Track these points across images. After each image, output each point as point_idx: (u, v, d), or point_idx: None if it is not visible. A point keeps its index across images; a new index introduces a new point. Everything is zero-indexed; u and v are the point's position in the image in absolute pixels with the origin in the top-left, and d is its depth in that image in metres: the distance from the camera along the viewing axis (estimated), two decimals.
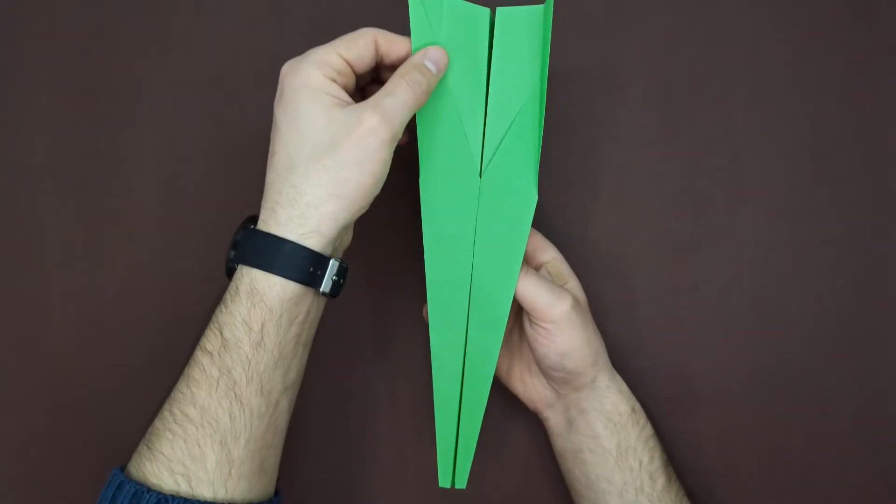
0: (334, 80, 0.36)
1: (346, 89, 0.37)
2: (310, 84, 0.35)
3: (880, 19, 0.48)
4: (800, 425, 0.48)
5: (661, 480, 0.42)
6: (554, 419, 0.44)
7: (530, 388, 0.44)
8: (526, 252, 0.42)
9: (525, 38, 0.39)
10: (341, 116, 0.35)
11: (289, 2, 0.49)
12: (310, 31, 0.48)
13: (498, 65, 0.39)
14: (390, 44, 0.38)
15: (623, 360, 0.46)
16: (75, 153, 0.49)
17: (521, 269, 0.40)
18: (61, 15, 0.49)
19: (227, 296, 0.36)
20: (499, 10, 0.39)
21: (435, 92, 0.38)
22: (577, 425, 0.42)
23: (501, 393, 0.47)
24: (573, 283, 0.43)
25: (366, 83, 0.41)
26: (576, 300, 0.41)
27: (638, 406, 0.43)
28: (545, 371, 0.42)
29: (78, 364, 0.48)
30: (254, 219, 0.38)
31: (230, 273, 0.38)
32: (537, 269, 0.43)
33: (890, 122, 0.48)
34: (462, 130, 0.39)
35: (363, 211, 0.36)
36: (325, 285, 0.36)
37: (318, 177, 0.34)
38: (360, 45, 0.37)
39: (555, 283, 0.41)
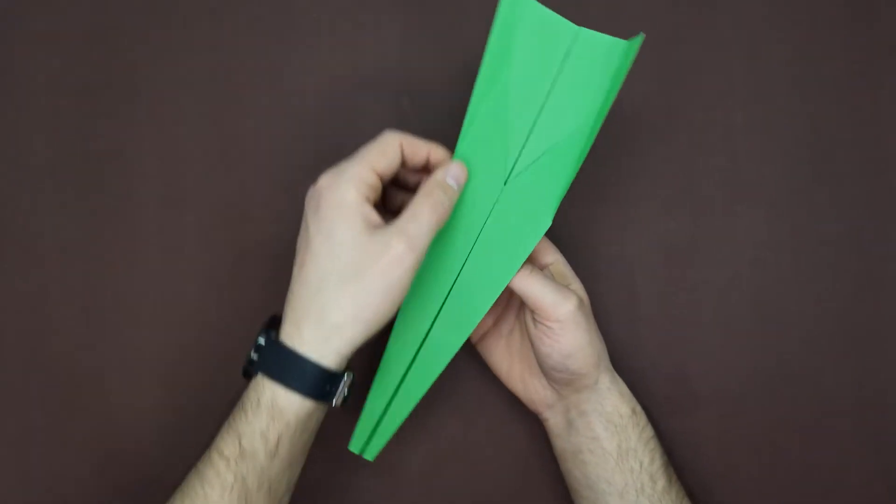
0: (368, 199, 0.37)
1: (375, 203, 0.38)
2: (346, 205, 0.36)
3: (880, 19, 0.48)
4: (800, 425, 0.48)
5: (661, 482, 0.42)
6: (554, 420, 0.44)
7: (530, 388, 0.44)
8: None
9: (599, 66, 0.38)
10: (371, 242, 0.36)
11: (289, 1, 0.49)
12: (310, 31, 0.49)
13: (563, 84, 0.39)
14: (413, 148, 0.39)
15: (623, 360, 0.46)
16: (75, 153, 0.49)
17: (526, 268, 0.40)
18: (61, 15, 0.49)
19: (248, 405, 0.38)
20: (583, 30, 0.38)
21: (494, 87, 0.39)
22: (576, 426, 0.42)
23: (501, 394, 0.47)
24: (576, 285, 0.43)
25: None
26: (581, 300, 0.41)
27: (638, 408, 0.43)
28: (548, 372, 0.42)
29: (78, 364, 0.48)
30: (276, 320, 0.40)
31: (247, 373, 0.39)
32: (541, 269, 0.43)
33: (890, 122, 0.48)
34: (506, 132, 0.39)
35: (379, 330, 0.38)
36: (336, 400, 0.38)
37: (344, 302, 0.36)
38: (390, 155, 0.38)
39: (558, 283, 0.42)
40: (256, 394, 0.37)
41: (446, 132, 0.48)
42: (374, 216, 0.37)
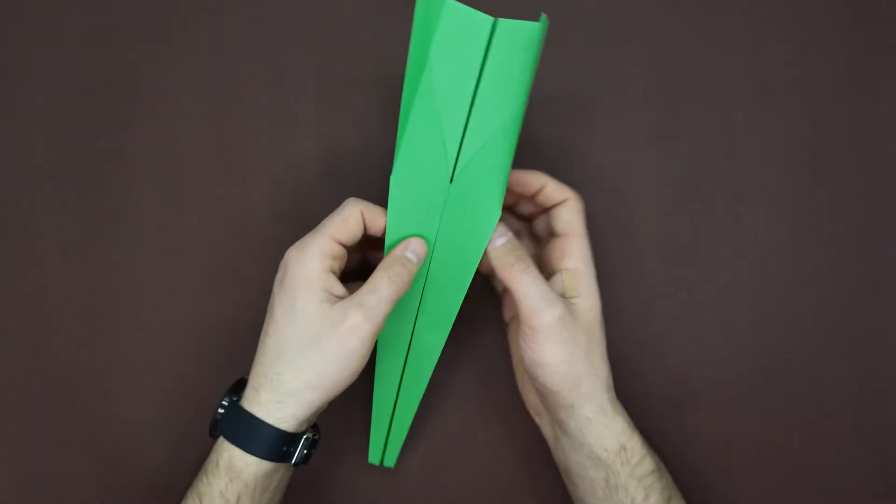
0: (332, 270, 0.39)
1: (339, 272, 0.40)
2: (308, 278, 0.38)
3: (880, 19, 0.48)
4: (800, 425, 0.48)
5: None
6: (544, 429, 0.44)
7: (525, 386, 0.45)
8: (552, 252, 0.42)
9: (520, 53, 0.38)
10: (331, 312, 0.38)
11: (289, 1, 0.49)
12: (311, 31, 0.49)
13: (490, 76, 0.38)
14: (373, 216, 0.40)
15: (623, 360, 0.46)
16: (75, 153, 0.49)
17: (522, 264, 0.39)
18: (61, 15, 0.49)
19: (209, 466, 0.39)
20: (501, 21, 0.38)
21: (419, 91, 0.38)
22: (563, 445, 0.42)
23: (501, 394, 0.47)
24: (587, 302, 0.40)
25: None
26: (567, 315, 0.39)
27: (632, 443, 0.40)
28: (526, 371, 0.41)
29: (78, 364, 0.48)
30: (241, 383, 0.41)
31: (212, 433, 0.40)
32: (553, 272, 0.42)
33: (890, 122, 0.48)
34: (441, 134, 0.39)
35: (339, 393, 0.39)
36: (297, 459, 0.40)
37: (301, 369, 0.38)
38: (351, 224, 0.39)
39: (553, 289, 0.39)
40: (216, 455, 0.39)
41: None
42: (337, 287, 0.39)
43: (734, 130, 0.48)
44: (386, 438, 0.44)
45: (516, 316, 0.43)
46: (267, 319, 0.39)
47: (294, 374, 0.38)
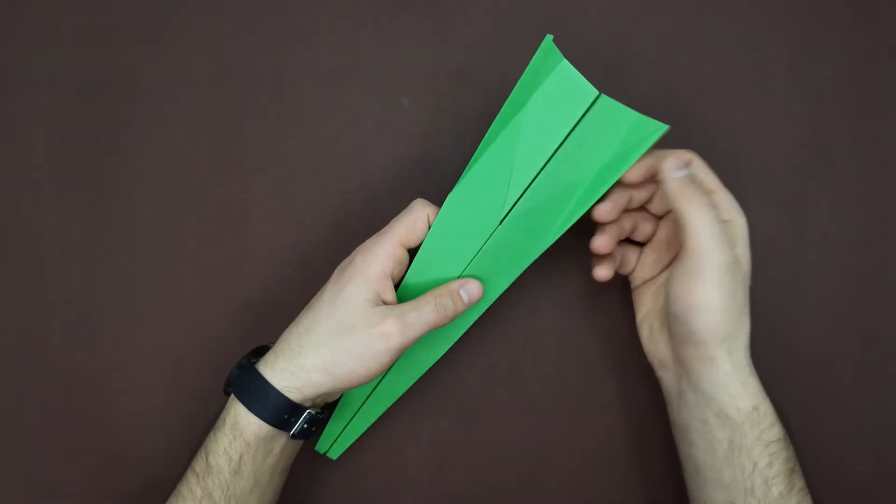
0: (391, 275, 0.40)
1: (397, 278, 0.41)
2: (367, 274, 0.39)
3: (880, 19, 0.48)
4: (800, 425, 0.48)
5: (777, 488, 0.38)
6: (667, 382, 0.42)
7: (654, 338, 0.42)
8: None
9: (610, 132, 0.39)
10: (371, 312, 0.39)
11: (289, 1, 0.49)
12: (311, 30, 0.49)
13: (574, 141, 0.39)
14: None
15: (624, 360, 0.46)
16: (75, 153, 0.49)
17: (706, 200, 0.37)
18: (61, 15, 0.49)
19: (218, 423, 0.41)
20: (603, 97, 0.39)
21: (505, 130, 0.40)
22: (687, 401, 0.40)
23: (501, 394, 0.47)
24: (744, 254, 0.39)
25: None
26: (734, 262, 0.37)
27: (765, 405, 0.38)
28: (670, 319, 0.39)
29: (78, 364, 0.48)
30: (262, 349, 0.42)
31: (226, 391, 0.41)
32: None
33: (890, 122, 0.48)
34: (510, 173, 0.40)
35: (348, 389, 0.41)
36: (295, 430, 0.40)
37: (322, 350, 0.39)
38: (419, 228, 0.40)
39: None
40: (225, 412, 0.40)
41: (446, 132, 0.48)
42: (389, 293, 0.40)
43: (734, 130, 0.48)
44: (341, 432, 0.45)
45: (668, 271, 0.42)
46: (315, 297, 0.41)
47: (315, 352, 0.39)
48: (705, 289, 0.37)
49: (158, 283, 0.48)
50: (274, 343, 0.41)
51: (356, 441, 0.46)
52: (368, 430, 0.45)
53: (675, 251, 0.42)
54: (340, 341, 0.39)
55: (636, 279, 0.44)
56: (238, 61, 0.49)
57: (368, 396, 0.44)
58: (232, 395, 0.40)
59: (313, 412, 0.40)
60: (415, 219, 0.40)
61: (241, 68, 0.49)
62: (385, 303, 0.40)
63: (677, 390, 0.41)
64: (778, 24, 0.48)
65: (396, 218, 0.41)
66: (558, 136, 0.40)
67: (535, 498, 0.48)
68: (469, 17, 0.48)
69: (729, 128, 0.48)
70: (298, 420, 0.40)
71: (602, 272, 0.42)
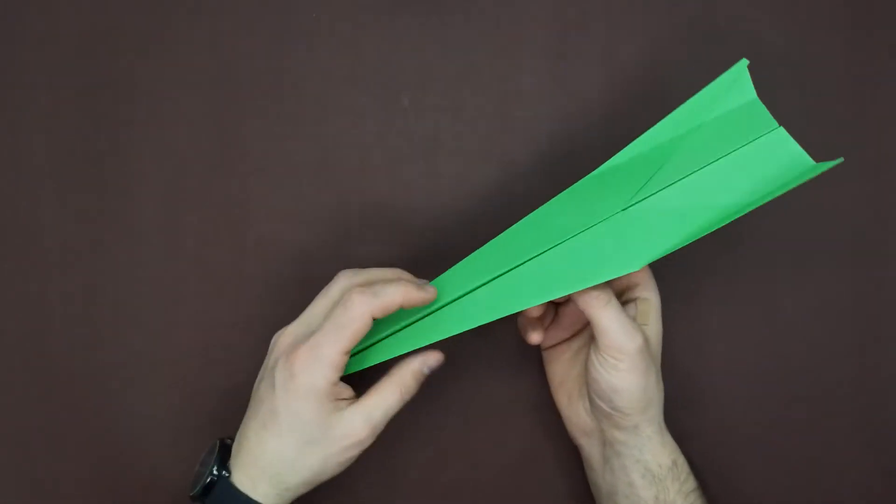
0: (338, 378, 0.38)
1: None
2: (319, 392, 0.38)
3: (880, 20, 0.48)
4: (800, 425, 0.48)
5: None
6: (589, 449, 0.44)
7: (573, 408, 0.44)
8: (624, 281, 0.42)
9: (773, 165, 0.38)
10: (337, 425, 0.38)
11: (289, 1, 0.49)
12: (311, 30, 0.49)
13: (731, 162, 0.39)
14: (385, 307, 0.38)
15: None
16: (75, 153, 0.49)
17: (604, 297, 0.39)
18: (61, 15, 0.49)
19: None
20: (780, 129, 0.39)
21: (672, 132, 0.40)
22: (612, 466, 0.42)
23: (501, 394, 0.47)
24: (654, 328, 0.42)
25: None
26: (646, 343, 0.40)
27: (681, 459, 0.42)
28: (592, 398, 0.42)
29: (78, 364, 0.48)
30: (224, 447, 0.41)
31: (194, 499, 0.40)
32: (626, 302, 0.43)
33: (890, 122, 0.48)
34: (657, 169, 0.39)
35: None
36: None
37: (301, 471, 0.38)
38: (361, 331, 0.38)
39: (633, 320, 0.40)
40: None
41: (446, 132, 0.48)
42: (344, 391, 0.39)
43: None
44: (362, 350, 0.42)
45: (580, 337, 0.45)
46: (266, 408, 0.39)
47: (294, 475, 0.39)
48: (623, 374, 0.39)
49: (158, 283, 0.48)
50: (231, 440, 0.41)
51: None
52: None
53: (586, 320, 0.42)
54: (316, 460, 0.38)
55: (549, 339, 0.45)
56: (238, 61, 0.49)
57: (403, 329, 0.41)
58: None
59: None
60: (356, 320, 0.37)
61: (241, 68, 0.49)
62: (345, 400, 0.39)
63: (601, 456, 0.43)
64: (778, 24, 0.48)
65: (333, 315, 0.38)
66: (718, 153, 0.39)
67: (535, 498, 0.48)
68: (469, 17, 0.48)
69: None
70: None
71: (535, 337, 0.43)
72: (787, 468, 0.48)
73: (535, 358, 0.48)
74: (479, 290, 0.40)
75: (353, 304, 0.37)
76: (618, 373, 0.39)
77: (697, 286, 0.48)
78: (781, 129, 0.39)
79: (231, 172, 0.48)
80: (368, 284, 0.39)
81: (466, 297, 0.41)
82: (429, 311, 0.41)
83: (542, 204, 0.42)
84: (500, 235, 0.41)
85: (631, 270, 0.39)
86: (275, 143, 0.48)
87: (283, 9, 0.49)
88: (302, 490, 0.39)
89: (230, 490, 0.39)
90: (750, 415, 0.48)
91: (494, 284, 0.40)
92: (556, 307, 0.45)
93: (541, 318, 0.44)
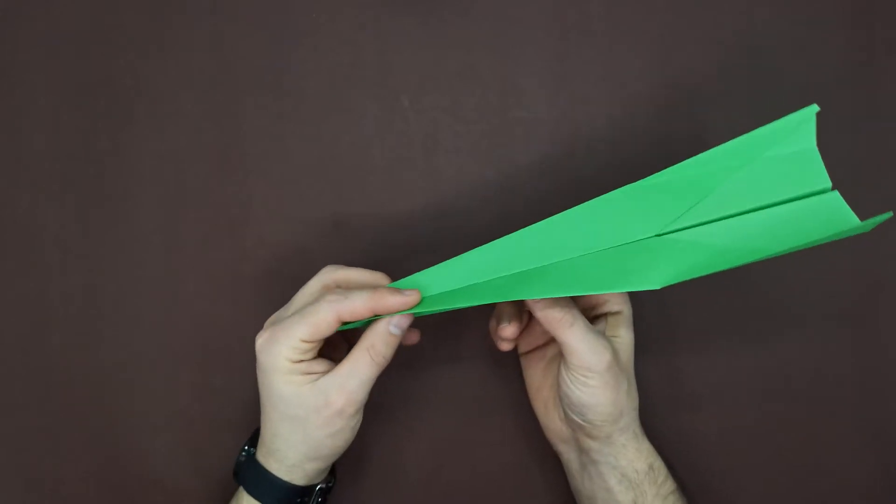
0: (302, 358, 0.38)
1: (315, 353, 0.39)
2: (279, 368, 0.38)
3: (880, 19, 0.48)
4: (800, 425, 0.48)
5: None
6: (567, 456, 0.44)
7: (549, 416, 0.44)
8: (596, 298, 0.42)
9: (817, 223, 0.37)
10: (312, 397, 0.38)
11: (289, 1, 0.49)
12: (311, 30, 0.49)
13: (779, 213, 0.38)
14: (352, 312, 0.38)
15: None
16: (75, 153, 0.49)
17: (568, 318, 0.39)
18: (61, 15, 0.49)
19: None
20: (834, 193, 0.37)
21: (726, 162, 0.38)
22: (590, 473, 0.42)
23: (501, 394, 0.47)
24: (626, 339, 0.42)
25: None
26: (615, 357, 0.40)
27: (658, 462, 0.42)
28: (564, 409, 0.42)
29: (78, 364, 0.48)
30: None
31: (237, 480, 0.42)
32: (597, 316, 0.43)
33: (890, 121, 0.48)
34: (698, 199, 0.38)
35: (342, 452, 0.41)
36: None
37: (297, 447, 0.39)
38: (323, 328, 0.38)
39: (601, 334, 0.40)
40: (236, 502, 0.41)
41: (446, 132, 0.48)
42: (315, 365, 0.39)
43: (734, 130, 0.48)
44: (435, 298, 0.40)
45: (554, 345, 0.44)
46: (261, 394, 0.40)
47: (292, 451, 0.39)
48: (592, 391, 0.39)
49: (158, 283, 0.48)
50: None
51: (356, 443, 0.46)
52: (368, 427, 0.45)
53: None
54: (303, 434, 0.39)
55: (524, 345, 0.46)
56: (238, 61, 0.49)
57: (488, 282, 0.40)
58: (242, 491, 0.41)
59: (323, 486, 0.42)
60: (319, 317, 0.38)
61: (241, 68, 0.49)
62: (320, 373, 0.39)
63: (579, 463, 0.43)
64: (777, 24, 0.48)
65: (302, 312, 0.38)
66: (766, 200, 0.38)
67: (535, 498, 0.48)
68: (469, 17, 0.48)
69: (729, 128, 0.48)
70: (311, 499, 0.41)
71: (506, 346, 0.43)
72: (787, 468, 0.47)
73: None
74: (498, 278, 0.40)
75: (321, 306, 0.38)
76: (588, 388, 0.39)
77: (697, 287, 0.48)
78: (836, 192, 0.38)
79: (231, 172, 0.48)
80: (345, 286, 0.40)
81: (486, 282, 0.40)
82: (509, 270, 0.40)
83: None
84: (525, 229, 0.40)
85: (649, 288, 0.37)
86: (275, 143, 0.48)
87: (283, 9, 0.49)
88: (308, 466, 0.40)
89: (252, 463, 0.41)
90: (750, 415, 0.48)
91: (511, 275, 0.40)
92: (528, 315, 0.44)
93: (514, 320, 0.43)
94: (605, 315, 0.43)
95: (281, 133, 0.48)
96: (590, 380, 0.39)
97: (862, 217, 0.37)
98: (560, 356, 0.43)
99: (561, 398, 0.42)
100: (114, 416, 0.48)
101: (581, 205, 0.40)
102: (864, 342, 0.48)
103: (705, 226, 0.38)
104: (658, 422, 0.46)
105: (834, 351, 0.48)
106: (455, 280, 0.40)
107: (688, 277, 0.37)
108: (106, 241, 0.48)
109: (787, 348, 0.48)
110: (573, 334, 0.39)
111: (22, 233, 0.48)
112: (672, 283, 0.37)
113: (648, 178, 0.39)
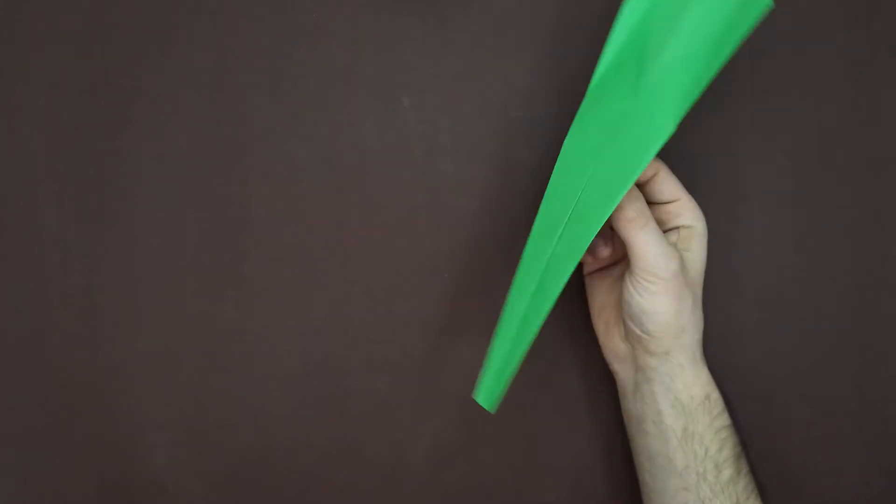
0: None
1: None
2: None
3: (880, 19, 0.48)
4: (800, 425, 0.48)
5: (727, 472, 0.41)
6: (623, 375, 0.44)
7: (609, 334, 0.44)
8: (667, 210, 0.42)
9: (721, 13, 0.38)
10: None
11: (289, 1, 0.49)
12: (311, 30, 0.49)
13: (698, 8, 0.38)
14: None
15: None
16: (75, 153, 0.49)
17: (641, 220, 0.39)
18: (61, 15, 0.49)
19: None
20: None
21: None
22: (642, 392, 0.42)
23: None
24: (696, 256, 0.42)
25: None
26: (681, 268, 0.40)
27: (715, 394, 0.41)
28: (625, 318, 0.42)
29: (78, 364, 0.48)
30: None
31: None
32: (670, 230, 0.43)
33: (890, 122, 0.48)
34: (641, 52, 0.39)
35: None
36: None
37: None
38: None
39: (671, 244, 0.41)
40: None
41: (446, 132, 0.48)
42: None
43: (734, 130, 0.48)
44: (492, 374, 0.41)
45: (622, 264, 0.45)
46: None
47: None
48: (655, 297, 0.40)
49: (158, 282, 0.48)
50: None
51: (352, 442, 0.46)
52: (368, 427, 0.45)
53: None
54: None
55: (589, 265, 0.46)
56: (238, 61, 0.49)
57: (520, 325, 0.41)
58: None
59: None
60: None
61: (241, 68, 0.49)
62: None
63: (633, 383, 0.43)
64: (777, 24, 0.48)
65: None
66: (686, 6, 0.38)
67: (535, 498, 0.48)
68: (469, 17, 0.48)
69: (728, 128, 0.48)
70: None
71: (604, 251, 0.44)
72: (787, 468, 0.47)
73: (535, 358, 0.48)
74: (552, 255, 0.40)
75: None
76: (651, 296, 0.39)
77: None
78: None
79: (231, 172, 0.48)
80: None
81: (545, 269, 0.40)
82: (526, 299, 0.41)
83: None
84: (547, 187, 0.41)
85: (668, 133, 0.38)
86: (275, 143, 0.48)
87: (283, 9, 0.49)
88: None
89: None
90: (750, 415, 0.48)
91: (560, 244, 0.40)
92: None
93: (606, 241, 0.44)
94: (678, 229, 0.42)
95: (281, 133, 0.48)
96: (653, 285, 0.39)
97: None
98: (625, 276, 0.42)
99: (623, 307, 0.42)
100: (114, 416, 0.48)
101: (567, 138, 0.40)
102: (865, 342, 0.48)
103: (661, 55, 0.39)
104: None
105: (834, 351, 0.47)
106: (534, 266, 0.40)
107: (689, 102, 0.38)
108: (106, 241, 0.48)
109: (787, 348, 0.48)
110: (643, 236, 0.39)
111: (22, 233, 0.48)
112: (679, 116, 0.38)
113: (595, 74, 0.40)
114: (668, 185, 0.42)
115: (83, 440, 0.48)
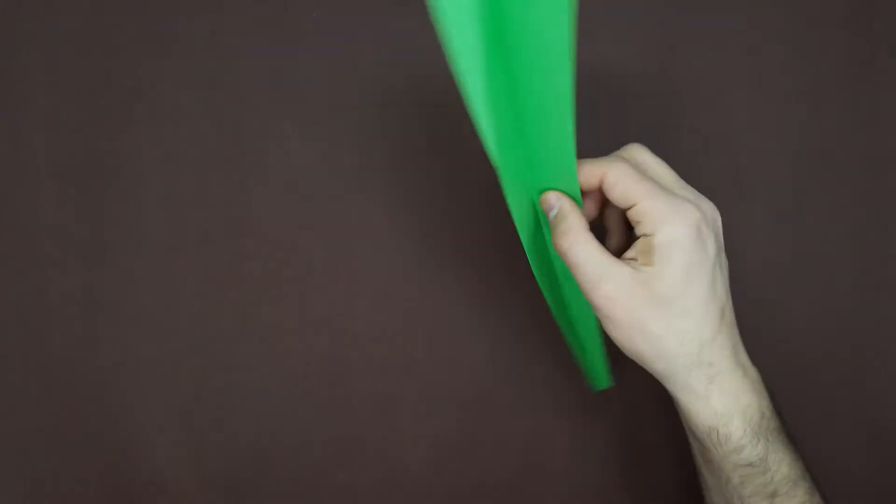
0: None
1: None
2: None
3: (880, 19, 0.48)
4: (800, 425, 0.48)
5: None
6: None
7: None
8: (630, 218, 0.36)
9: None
10: None
11: (289, 1, 0.49)
12: (311, 30, 0.49)
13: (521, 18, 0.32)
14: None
15: (625, 361, 0.46)
16: (75, 153, 0.49)
17: (571, 236, 0.35)
18: (61, 15, 0.49)
19: None
20: None
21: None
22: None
23: (501, 394, 0.47)
24: (665, 269, 0.35)
25: None
26: (635, 286, 0.34)
27: (726, 431, 0.36)
28: None
29: (78, 364, 0.48)
30: None
31: None
32: (631, 240, 0.37)
33: (890, 122, 0.48)
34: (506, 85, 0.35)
35: None
36: None
37: None
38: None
39: (618, 262, 0.35)
40: None
41: (446, 132, 0.48)
42: None
43: (734, 130, 0.48)
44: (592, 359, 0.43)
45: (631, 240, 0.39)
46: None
47: None
48: (606, 321, 0.35)
49: (159, 282, 0.48)
50: None
51: (352, 442, 0.46)
52: (368, 427, 0.45)
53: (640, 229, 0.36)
54: None
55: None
56: (238, 61, 0.49)
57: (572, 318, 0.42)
58: None
59: None
60: None
61: (241, 68, 0.49)
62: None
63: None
64: (778, 24, 0.48)
65: None
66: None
67: (535, 498, 0.48)
68: None
69: (728, 128, 0.48)
70: None
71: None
72: None
73: (535, 358, 0.48)
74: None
75: None
76: (603, 318, 0.35)
77: None
78: None
79: (231, 172, 0.48)
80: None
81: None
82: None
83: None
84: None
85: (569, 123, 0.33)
86: (275, 143, 0.48)
87: (283, 9, 0.49)
88: None
89: None
90: None
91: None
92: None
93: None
94: (636, 240, 0.36)
95: (281, 133, 0.48)
96: (597, 311, 0.35)
97: None
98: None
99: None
100: (114, 416, 0.48)
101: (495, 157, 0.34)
102: (865, 342, 0.48)
103: (523, 80, 0.34)
104: (659, 422, 0.46)
105: (834, 351, 0.47)
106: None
107: (565, 96, 0.33)
108: (106, 241, 0.48)
109: (787, 348, 0.48)
110: (571, 255, 0.35)
111: (22, 233, 0.48)
112: (568, 107, 0.33)
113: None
114: (618, 191, 0.36)
115: (83, 440, 0.48)
